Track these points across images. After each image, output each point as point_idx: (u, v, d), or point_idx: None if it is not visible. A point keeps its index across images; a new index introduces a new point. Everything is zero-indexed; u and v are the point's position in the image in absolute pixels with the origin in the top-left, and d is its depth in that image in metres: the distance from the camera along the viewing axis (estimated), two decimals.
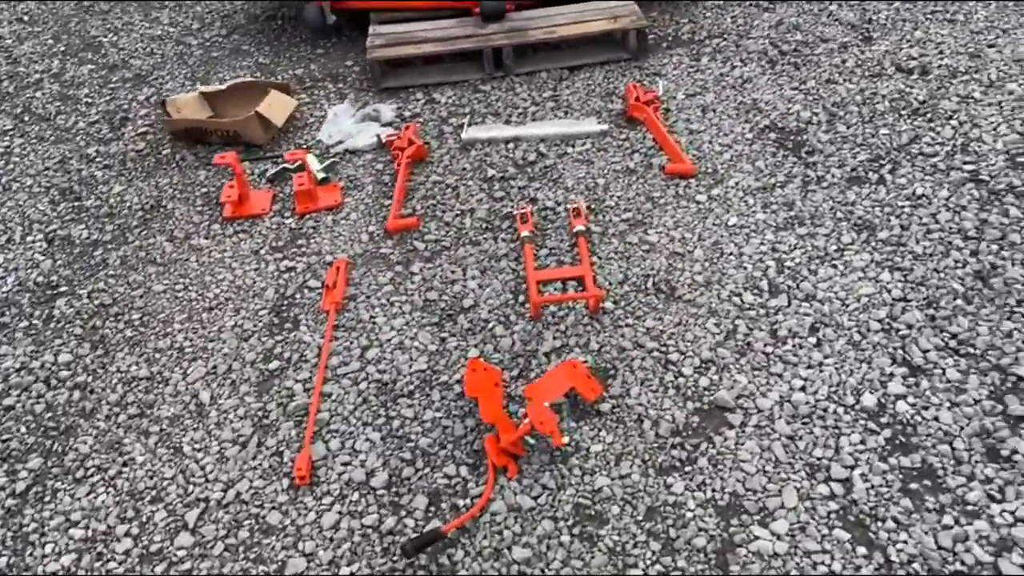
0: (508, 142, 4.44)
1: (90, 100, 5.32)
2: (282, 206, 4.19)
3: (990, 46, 4.61)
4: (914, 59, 4.63)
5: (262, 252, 3.90)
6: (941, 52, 4.64)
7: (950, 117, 4.13)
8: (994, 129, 3.97)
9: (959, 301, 3.17)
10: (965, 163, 3.82)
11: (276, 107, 4.65)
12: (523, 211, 3.88)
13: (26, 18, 6.54)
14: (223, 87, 4.81)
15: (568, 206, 3.90)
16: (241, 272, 3.80)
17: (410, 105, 4.88)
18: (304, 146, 4.64)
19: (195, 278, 3.81)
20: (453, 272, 3.66)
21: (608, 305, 3.39)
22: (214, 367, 3.34)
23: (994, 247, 3.37)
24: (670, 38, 5.22)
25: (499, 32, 5.05)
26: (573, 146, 4.37)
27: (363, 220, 4.04)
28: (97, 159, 4.74)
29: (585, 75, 4.96)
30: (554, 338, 3.28)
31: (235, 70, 5.46)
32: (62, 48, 6.00)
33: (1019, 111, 4.01)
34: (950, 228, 3.49)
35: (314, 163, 4.36)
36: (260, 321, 3.54)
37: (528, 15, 5.19)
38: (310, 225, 4.04)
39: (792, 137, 4.20)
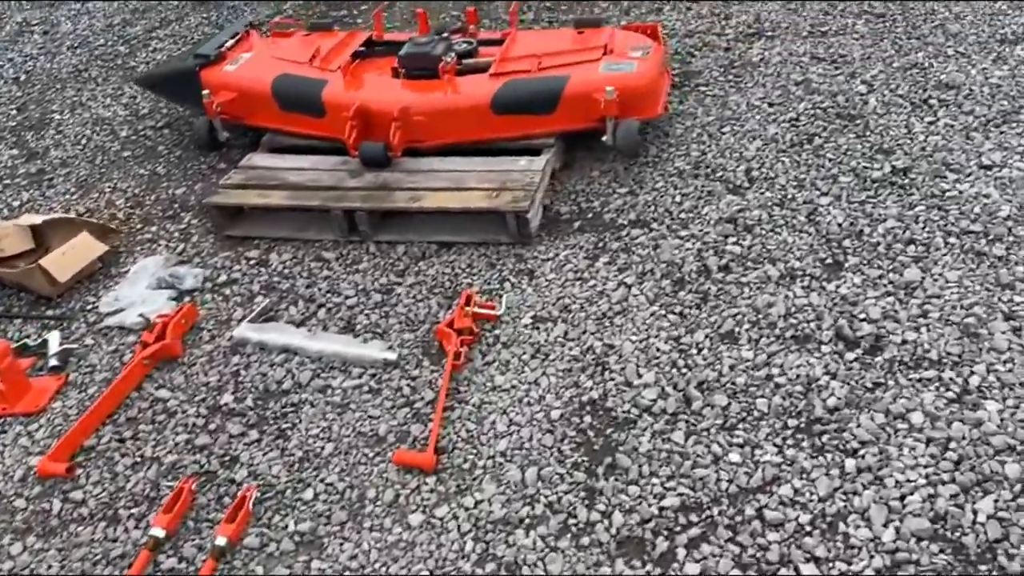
0: (282, 352, 3.45)
1: None
2: None
3: (1013, 313, 2.99)
4: (873, 321, 3.08)
5: None
6: (924, 315, 3.07)
7: (854, 453, 2.63)
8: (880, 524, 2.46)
9: None
10: None
11: (69, 257, 3.93)
12: (181, 487, 2.87)
13: (23, 77, 6.32)
14: (38, 221, 4.18)
15: (243, 490, 2.85)
16: None
17: (237, 266, 3.99)
18: (90, 306, 3.90)
19: None
20: None
21: None
22: None
23: None
24: (590, 213, 3.93)
25: (362, 188, 4.02)
26: (349, 374, 3.29)
27: (46, 441, 3.23)
28: None
29: (452, 256, 3.81)
30: None
31: (127, 179, 4.80)
32: (14, 124, 5.68)
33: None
34: None
35: (54, 344, 3.62)
36: None
37: (411, 166, 4.10)
38: None
39: (609, 431, 2.87)
